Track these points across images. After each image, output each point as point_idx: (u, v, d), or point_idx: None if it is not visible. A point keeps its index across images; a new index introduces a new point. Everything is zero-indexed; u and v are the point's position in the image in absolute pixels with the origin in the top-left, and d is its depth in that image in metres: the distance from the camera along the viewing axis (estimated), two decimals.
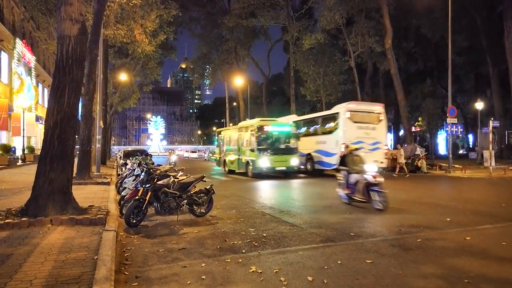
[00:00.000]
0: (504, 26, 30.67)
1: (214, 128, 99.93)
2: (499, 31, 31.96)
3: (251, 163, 18.00)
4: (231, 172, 21.12)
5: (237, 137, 20.12)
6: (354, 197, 9.22)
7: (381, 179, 8.73)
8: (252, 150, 17.78)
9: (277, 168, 17.67)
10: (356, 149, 10.21)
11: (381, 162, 17.74)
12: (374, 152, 17.52)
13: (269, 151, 17.58)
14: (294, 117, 23.72)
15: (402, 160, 19.67)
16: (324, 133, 19.39)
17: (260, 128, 17.68)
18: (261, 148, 17.50)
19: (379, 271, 4.48)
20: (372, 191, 8.63)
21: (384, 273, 4.39)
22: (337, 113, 18.37)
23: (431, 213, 8.23)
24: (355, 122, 17.73)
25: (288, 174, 18.59)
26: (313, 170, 19.62)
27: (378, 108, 18.76)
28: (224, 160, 22.10)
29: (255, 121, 18.91)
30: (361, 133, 17.56)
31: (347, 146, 10.88)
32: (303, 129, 21.30)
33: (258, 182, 16.21)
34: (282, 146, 18.11)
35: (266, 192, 13.15)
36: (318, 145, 19.37)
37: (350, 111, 17.81)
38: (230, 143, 21.50)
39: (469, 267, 4.61)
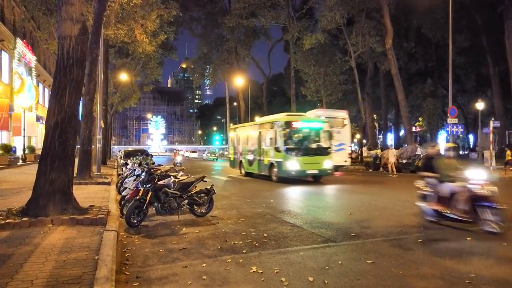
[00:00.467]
0: (505, 26, 30.64)
1: (215, 128, 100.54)
2: (500, 31, 31.92)
3: (276, 165, 15.70)
4: (248, 174, 18.89)
5: (257, 134, 17.78)
6: (448, 214, 6.89)
7: (494, 189, 6.59)
8: (278, 150, 15.45)
9: (308, 171, 15.25)
10: (451, 147, 7.74)
11: (345, 161, 21.53)
12: (339, 153, 20.43)
13: (299, 151, 15.17)
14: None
15: (393, 160, 20.58)
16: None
17: (288, 124, 15.23)
18: (290, 147, 15.10)
19: (379, 271, 4.48)
20: (481, 207, 6.44)
21: (385, 274, 4.39)
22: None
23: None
24: None
25: (317, 179, 16.18)
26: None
27: (343, 114, 22.23)
28: (241, 161, 19.80)
29: (282, 116, 16.46)
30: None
31: (434, 146, 7.95)
32: None
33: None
34: (314, 146, 15.81)
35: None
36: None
37: (318, 117, 19.65)
38: (248, 142, 19.10)
39: (469, 268, 4.60)
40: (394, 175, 19.47)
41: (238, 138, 20.47)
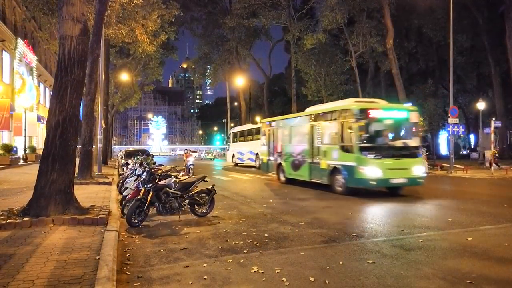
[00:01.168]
0: (506, 26, 30.60)
1: (215, 128, 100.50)
2: (501, 31, 31.89)
3: (342, 171, 11.46)
4: (290, 181, 14.96)
5: (308, 129, 13.72)
6: None
7: None
8: (347, 150, 11.28)
9: (394, 181, 10.89)
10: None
11: None
12: None
13: (380, 151, 10.91)
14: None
15: None
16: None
17: (364, 114, 10.86)
18: (367, 146, 10.81)
19: (380, 271, 4.47)
20: None
21: (386, 274, 4.39)
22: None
23: (432, 214, 8.22)
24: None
25: (394, 190, 11.73)
26: (260, 166, 22.76)
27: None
28: (279, 164, 15.79)
29: (350, 103, 12.21)
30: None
31: None
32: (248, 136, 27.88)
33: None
34: (399, 144, 11.59)
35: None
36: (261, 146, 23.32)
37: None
38: (291, 139, 15.26)
39: (471, 268, 4.60)
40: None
41: (275, 134, 16.51)
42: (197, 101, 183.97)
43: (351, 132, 11.09)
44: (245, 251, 5.33)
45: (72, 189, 7.01)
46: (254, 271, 4.45)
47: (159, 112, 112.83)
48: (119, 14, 17.46)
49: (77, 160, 9.85)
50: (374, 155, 10.73)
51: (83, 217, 6.48)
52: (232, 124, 52.82)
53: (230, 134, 33.86)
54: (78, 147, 12.84)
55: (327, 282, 4.11)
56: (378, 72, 40.44)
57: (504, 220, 7.57)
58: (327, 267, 4.60)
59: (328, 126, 12.65)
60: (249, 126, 31.88)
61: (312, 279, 4.19)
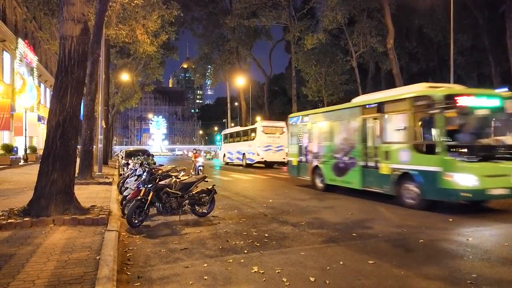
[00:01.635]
0: (506, 26, 30.53)
1: (216, 128, 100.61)
2: (501, 30, 31.85)
3: (418, 178, 8.70)
4: (330, 188, 12.22)
5: (359, 123, 10.97)
6: None
7: None
8: (424, 150, 8.70)
9: (493, 191, 8.17)
10: None
11: (283, 158, 25.05)
12: (278, 152, 25.99)
13: (474, 151, 8.36)
14: (263, 123, 28.86)
15: None
16: (248, 140, 28.13)
17: (450, 102, 8.17)
18: (454, 145, 8.29)
19: (381, 272, 4.47)
20: None
21: (386, 274, 4.39)
22: (256, 127, 27.51)
23: (432, 214, 8.21)
24: (266, 133, 26.38)
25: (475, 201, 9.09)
26: (246, 164, 27.71)
27: (282, 124, 26.30)
28: (315, 167, 13.03)
29: (424, 88, 9.33)
30: (270, 140, 26.12)
31: None
32: (236, 138, 30.90)
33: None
34: (495, 142, 8.89)
35: None
36: (248, 147, 27.82)
37: (263, 126, 26.93)
38: (332, 136, 12.55)
39: (471, 268, 4.60)
40: None
41: (310, 131, 13.87)
42: (197, 101, 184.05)
43: (431, 127, 8.40)
44: (246, 251, 5.33)
45: (72, 189, 7.01)
46: (255, 271, 4.45)
47: (159, 112, 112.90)
48: (120, 14, 17.47)
49: (78, 160, 9.85)
50: (466, 158, 8.09)
51: (83, 217, 6.48)
52: (232, 124, 52.92)
53: (222, 135, 36.59)
54: (79, 147, 12.85)
55: (327, 282, 4.11)
56: (378, 72, 40.42)
57: (505, 221, 7.55)
58: (328, 267, 4.60)
59: (392, 119, 9.99)
60: (237, 128, 33.74)
61: (312, 279, 4.19)
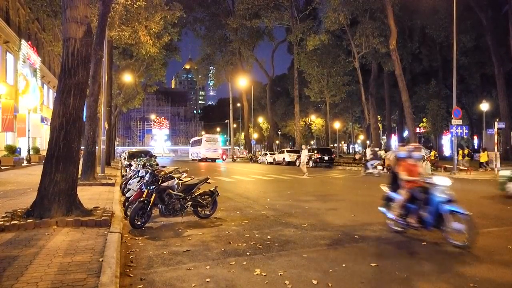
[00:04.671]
0: (510, 26, 30.47)
1: (218, 129, 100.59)
2: (505, 31, 31.79)
3: None
4: None
5: None
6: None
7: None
8: None
9: None
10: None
11: (217, 158, 43.20)
12: (215, 152, 43.16)
13: None
14: (206, 136, 47.31)
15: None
16: (197, 146, 46.58)
17: None
18: None
19: (384, 274, 4.46)
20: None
21: (389, 277, 4.38)
22: (201, 138, 45.33)
23: None
24: (207, 141, 43.81)
25: None
26: (199, 159, 43.84)
27: (217, 136, 47.93)
28: None
29: None
30: (210, 146, 43.20)
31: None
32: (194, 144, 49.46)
33: None
34: None
35: None
36: (199, 149, 45.28)
37: (206, 137, 45.03)
38: None
39: (474, 271, 4.58)
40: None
41: None
42: (200, 102, 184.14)
43: None
44: (248, 253, 5.33)
45: (75, 190, 7.03)
46: (257, 274, 4.45)
47: (162, 113, 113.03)
48: (122, 16, 17.53)
49: (80, 161, 9.86)
50: None
51: (86, 219, 6.49)
52: (234, 125, 52.99)
53: (190, 142, 55.73)
54: (82, 148, 12.88)
55: (330, 285, 4.11)
56: (381, 73, 40.36)
57: (508, 223, 7.50)
58: (330, 270, 4.59)
59: None
60: (196, 138, 52.75)
61: (315, 282, 4.19)
